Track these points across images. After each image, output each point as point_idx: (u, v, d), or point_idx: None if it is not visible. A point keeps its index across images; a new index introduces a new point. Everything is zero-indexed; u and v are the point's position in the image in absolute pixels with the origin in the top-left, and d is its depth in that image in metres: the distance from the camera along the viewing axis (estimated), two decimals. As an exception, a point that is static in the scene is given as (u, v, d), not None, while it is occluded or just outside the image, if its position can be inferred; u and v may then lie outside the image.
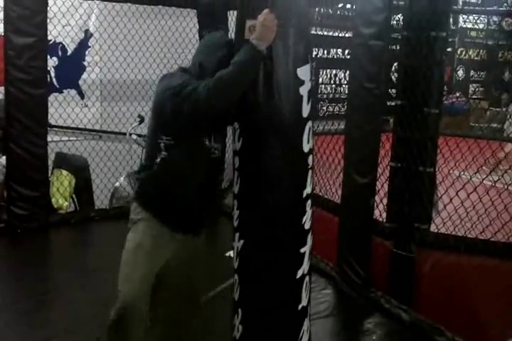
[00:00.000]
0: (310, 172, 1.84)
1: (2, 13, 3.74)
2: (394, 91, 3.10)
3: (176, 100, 1.81)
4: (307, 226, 1.84)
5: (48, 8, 3.85)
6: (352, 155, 3.08)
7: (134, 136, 4.66)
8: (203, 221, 2.07)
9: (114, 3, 4.34)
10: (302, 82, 1.75)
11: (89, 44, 4.69)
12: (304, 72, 1.76)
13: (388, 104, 3.19)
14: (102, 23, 4.48)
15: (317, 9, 5.15)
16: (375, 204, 3.05)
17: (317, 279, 3.24)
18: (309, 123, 1.81)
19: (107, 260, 3.56)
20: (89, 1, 4.31)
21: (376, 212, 3.08)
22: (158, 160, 1.92)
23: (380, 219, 3.09)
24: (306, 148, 1.79)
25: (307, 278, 1.88)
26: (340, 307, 3.05)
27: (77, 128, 4.44)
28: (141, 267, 1.96)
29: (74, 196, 4.39)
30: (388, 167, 2.99)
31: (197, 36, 4.69)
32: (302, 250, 1.83)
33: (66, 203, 4.29)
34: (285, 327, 1.88)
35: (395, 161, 2.93)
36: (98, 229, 4.22)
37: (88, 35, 4.66)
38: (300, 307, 1.84)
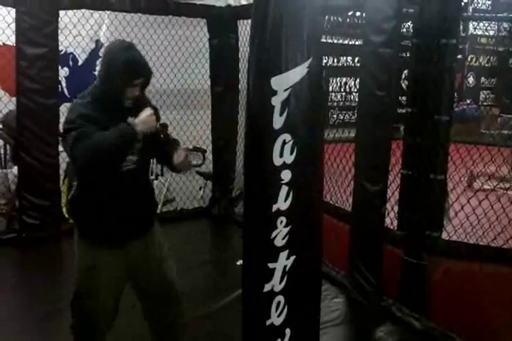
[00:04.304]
0: (285, 186, 1.71)
1: (14, 24, 3.79)
2: (404, 98, 3.08)
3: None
4: (278, 243, 1.74)
5: (59, 19, 3.90)
6: (362, 163, 3.07)
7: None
8: (138, 227, 2.10)
9: (124, 14, 4.38)
10: (275, 92, 1.66)
11: (100, 54, 4.73)
12: (278, 82, 1.66)
13: (399, 111, 3.18)
14: (112, 33, 4.52)
15: (327, 17, 5.16)
16: (386, 212, 3.03)
17: (329, 287, 3.23)
18: (284, 136, 1.68)
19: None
20: (100, 12, 4.35)
21: (387, 220, 3.06)
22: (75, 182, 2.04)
23: (391, 227, 3.07)
24: (277, 161, 1.69)
25: (280, 297, 1.77)
26: (352, 315, 3.03)
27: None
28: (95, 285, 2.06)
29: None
30: (399, 174, 2.98)
31: (207, 45, 4.72)
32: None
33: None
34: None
35: (405, 169, 2.92)
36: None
37: (99, 45, 4.71)
38: (268, 323, 1.77)
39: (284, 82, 1.66)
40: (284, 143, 1.68)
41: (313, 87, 1.74)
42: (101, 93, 1.96)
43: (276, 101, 1.66)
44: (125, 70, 1.90)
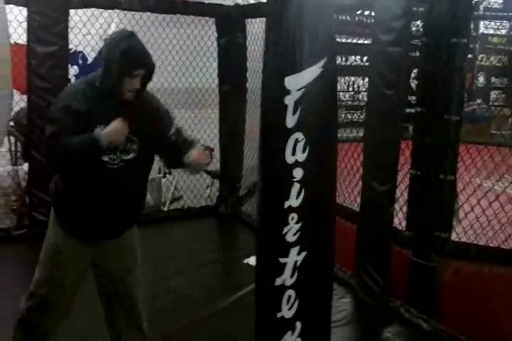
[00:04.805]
0: (297, 184, 1.75)
1: (24, 23, 3.81)
2: (413, 98, 3.06)
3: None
4: (290, 239, 1.77)
5: (69, 18, 3.92)
6: (371, 163, 3.06)
7: (153, 144, 4.71)
8: (115, 229, 2.05)
9: (133, 12, 4.39)
10: (288, 92, 1.69)
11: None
12: (292, 82, 1.69)
13: (408, 111, 3.16)
14: (121, 32, 4.54)
15: (335, 16, 5.14)
16: (395, 212, 3.01)
17: (335, 287, 3.20)
18: (296, 135, 1.72)
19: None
20: (110, 11, 4.37)
21: (395, 220, 3.04)
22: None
23: (400, 227, 3.05)
24: (290, 159, 1.73)
25: (291, 291, 1.81)
26: (359, 315, 3.02)
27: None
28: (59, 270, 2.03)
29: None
30: (408, 175, 2.96)
31: (215, 44, 4.72)
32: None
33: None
34: (265, 333, 1.86)
35: (414, 169, 2.90)
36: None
37: (108, 44, 4.72)
38: (279, 316, 1.81)
39: (297, 82, 1.69)
40: (297, 141, 1.72)
41: (326, 87, 1.77)
42: (99, 82, 1.91)
43: (290, 101, 1.69)
44: (123, 59, 1.84)
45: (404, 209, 3.02)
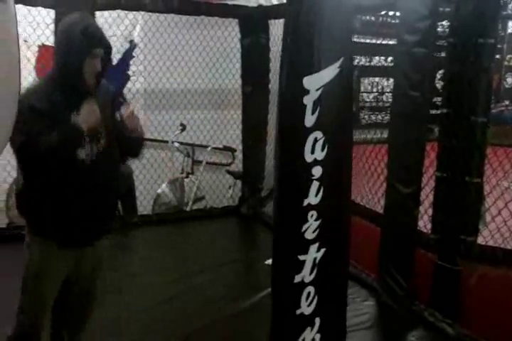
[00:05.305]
0: (316, 182, 1.77)
1: (52, 25, 3.87)
2: (439, 99, 3.02)
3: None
4: (309, 236, 1.79)
5: (95, 20, 3.97)
6: (395, 165, 3.03)
7: (176, 144, 4.74)
8: (93, 232, 1.97)
9: (158, 14, 4.43)
10: (307, 92, 1.70)
11: (134, 54, 4.81)
12: (310, 81, 1.70)
13: (433, 112, 3.11)
14: (146, 34, 4.58)
15: (359, 17, 5.11)
16: (420, 215, 2.98)
17: (358, 290, 3.19)
18: (316, 133, 1.74)
19: (148, 265, 3.65)
20: (135, 12, 4.42)
21: (420, 223, 3.01)
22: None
23: (425, 230, 3.01)
24: (309, 158, 1.75)
25: (310, 288, 1.83)
26: (382, 319, 2.99)
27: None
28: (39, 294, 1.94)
29: (118, 202, 4.49)
30: (433, 177, 2.92)
31: (238, 45, 4.73)
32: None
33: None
34: (282, 331, 1.88)
35: (440, 171, 2.86)
36: (141, 234, 4.30)
37: (133, 45, 4.77)
38: (298, 312, 1.82)
39: (316, 82, 1.70)
40: (316, 140, 1.74)
41: (344, 87, 1.79)
42: (59, 70, 1.82)
43: (308, 101, 1.71)
44: (83, 37, 1.78)
45: (430, 211, 2.98)
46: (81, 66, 1.79)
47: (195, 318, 2.85)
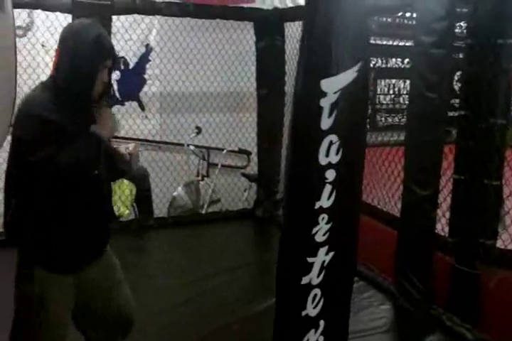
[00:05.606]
0: (329, 185, 1.76)
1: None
2: (457, 101, 2.99)
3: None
4: (319, 239, 1.78)
5: (112, 24, 4.01)
6: (412, 167, 3.00)
7: (192, 147, 4.77)
8: (96, 250, 1.87)
9: (173, 18, 4.46)
10: (325, 94, 1.69)
11: (150, 58, 4.84)
12: (328, 84, 1.69)
13: (451, 114, 3.08)
14: (162, 38, 4.62)
15: (376, 18, 5.08)
16: (437, 218, 2.94)
17: (375, 294, 3.16)
18: (331, 137, 1.73)
19: (164, 267, 3.67)
20: (151, 17, 4.45)
21: (438, 226, 2.97)
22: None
23: (442, 233, 2.97)
24: (323, 161, 1.74)
25: (317, 290, 1.82)
26: (399, 323, 2.96)
27: (138, 139, 4.57)
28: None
29: (134, 204, 4.52)
30: (451, 179, 2.89)
31: (253, 48, 4.74)
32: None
33: (127, 211, 4.42)
34: (287, 332, 1.87)
35: (458, 173, 2.82)
36: (156, 236, 4.32)
37: (149, 49, 4.81)
38: (304, 314, 1.81)
39: (334, 85, 1.69)
40: (331, 143, 1.73)
41: (360, 90, 1.78)
42: (67, 78, 1.68)
43: (325, 103, 1.69)
44: (97, 47, 1.68)
45: (447, 214, 2.94)
46: (95, 76, 1.71)
47: (210, 320, 2.85)
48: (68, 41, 1.71)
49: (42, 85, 1.77)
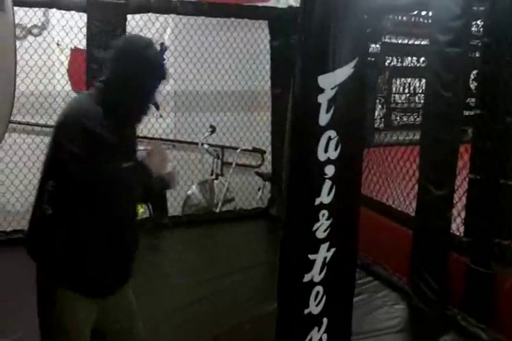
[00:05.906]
0: (328, 181, 1.76)
1: (84, 29, 3.95)
2: (473, 100, 2.96)
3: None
4: (320, 235, 1.78)
5: (127, 23, 4.04)
6: (427, 166, 2.98)
7: (206, 146, 4.78)
8: (121, 276, 1.80)
9: (188, 17, 4.48)
10: (322, 90, 1.70)
11: (164, 57, 4.87)
12: (325, 80, 1.70)
13: (467, 113, 3.06)
14: (176, 36, 4.64)
15: (391, 17, 5.05)
16: (453, 217, 2.92)
17: (389, 293, 3.15)
18: (329, 132, 1.73)
19: (179, 265, 3.69)
20: (165, 15, 4.47)
21: (453, 226, 2.95)
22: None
23: (458, 233, 2.95)
24: (322, 156, 1.74)
25: (319, 288, 1.82)
26: (413, 323, 2.95)
27: (152, 138, 4.60)
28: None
29: (149, 203, 4.55)
30: (467, 179, 2.86)
31: (268, 47, 4.74)
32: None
33: (142, 209, 4.45)
34: (290, 330, 1.87)
35: (473, 173, 2.80)
36: (171, 235, 4.35)
37: (163, 48, 4.83)
38: (306, 312, 1.81)
39: (331, 81, 1.71)
40: (330, 139, 1.74)
41: (357, 86, 1.79)
42: (117, 99, 1.66)
43: (323, 99, 1.71)
44: (156, 73, 1.69)
45: (463, 214, 2.92)
46: (148, 98, 1.69)
47: (224, 319, 2.87)
48: (125, 59, 1.68)
49: (86, 94, 1.77)
